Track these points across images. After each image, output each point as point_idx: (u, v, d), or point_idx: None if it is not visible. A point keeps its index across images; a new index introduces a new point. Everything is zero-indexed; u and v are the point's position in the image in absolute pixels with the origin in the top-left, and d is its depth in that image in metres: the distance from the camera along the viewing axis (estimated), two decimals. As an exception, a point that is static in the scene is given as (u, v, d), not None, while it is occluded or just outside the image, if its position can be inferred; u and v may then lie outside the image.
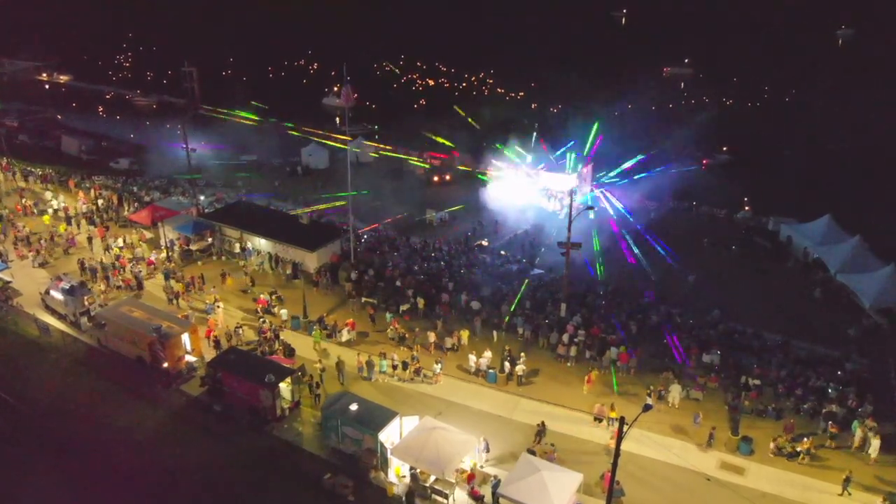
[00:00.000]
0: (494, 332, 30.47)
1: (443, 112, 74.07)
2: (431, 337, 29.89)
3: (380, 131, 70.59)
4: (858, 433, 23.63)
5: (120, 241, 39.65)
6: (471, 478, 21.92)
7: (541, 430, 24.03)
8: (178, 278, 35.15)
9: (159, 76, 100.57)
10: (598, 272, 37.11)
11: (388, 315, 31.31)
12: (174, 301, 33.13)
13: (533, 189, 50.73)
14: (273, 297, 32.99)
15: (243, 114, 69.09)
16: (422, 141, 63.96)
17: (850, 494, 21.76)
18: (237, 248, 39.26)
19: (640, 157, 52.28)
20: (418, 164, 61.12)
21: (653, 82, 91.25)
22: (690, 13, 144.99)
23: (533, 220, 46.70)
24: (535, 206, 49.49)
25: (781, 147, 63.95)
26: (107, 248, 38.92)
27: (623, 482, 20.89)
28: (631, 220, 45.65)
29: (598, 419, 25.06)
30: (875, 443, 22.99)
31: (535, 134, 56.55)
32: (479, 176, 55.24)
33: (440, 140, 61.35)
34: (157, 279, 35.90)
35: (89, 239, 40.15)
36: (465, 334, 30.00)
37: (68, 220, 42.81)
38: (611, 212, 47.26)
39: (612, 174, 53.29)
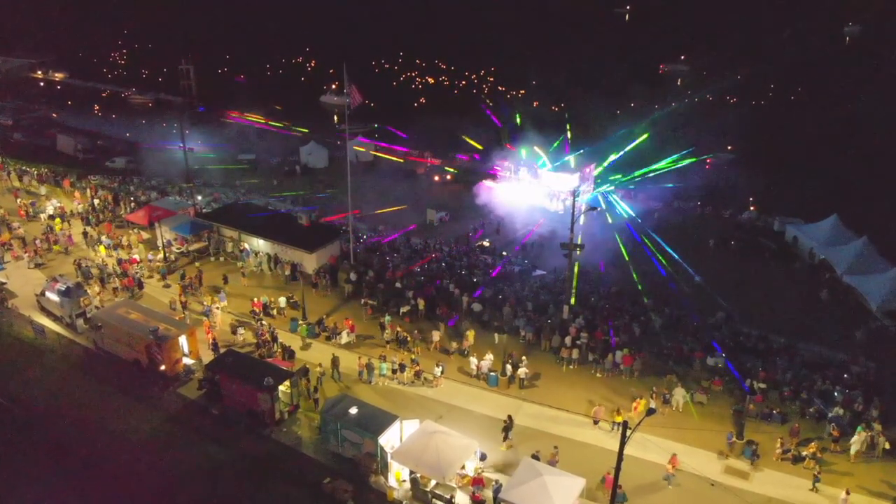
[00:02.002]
0: (496, 335, 30.18)
1: (445, 110, 73.61)
2: (436, 336, 29.61)
3: (379, 130, 70.10)
4: (859, 437, 23.29)
5: (105, 239, 39.32)
6: (476, 482, 21.67)
7: (507, 426, 23.94)
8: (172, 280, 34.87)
9: (155, 74, 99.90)
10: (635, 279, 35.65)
11: (386, 317, 30.97)
12: (178, 308, 32.25)
13: (536, 189, 50.43)
14: (288, 301, 32.49)
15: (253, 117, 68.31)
16: (436, 140, 63.38)
17: (817, 491, 21.87)
18: (229, 248, 38.86)
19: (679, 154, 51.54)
20: (443, 167, 59.84)
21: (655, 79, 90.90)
22: (689, 8, 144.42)
23: (545, 225, 45.43)
24: (539, 207, 49.15)
25: (788, 146, 63.19)
26: (98, 243, 38.68)
27: (625, 486, 20.59)
28: (639, 221, 45.12)
29: (596, 421, 24.86)
30: (856, 438, 22.90)
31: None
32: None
33: (470, 141, 60.05)
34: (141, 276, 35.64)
35: (84, 234, 39.97)
36: (471, 335, 29.65)
37: (60, 217, 42.49)
38: (610, 217, 46.75)
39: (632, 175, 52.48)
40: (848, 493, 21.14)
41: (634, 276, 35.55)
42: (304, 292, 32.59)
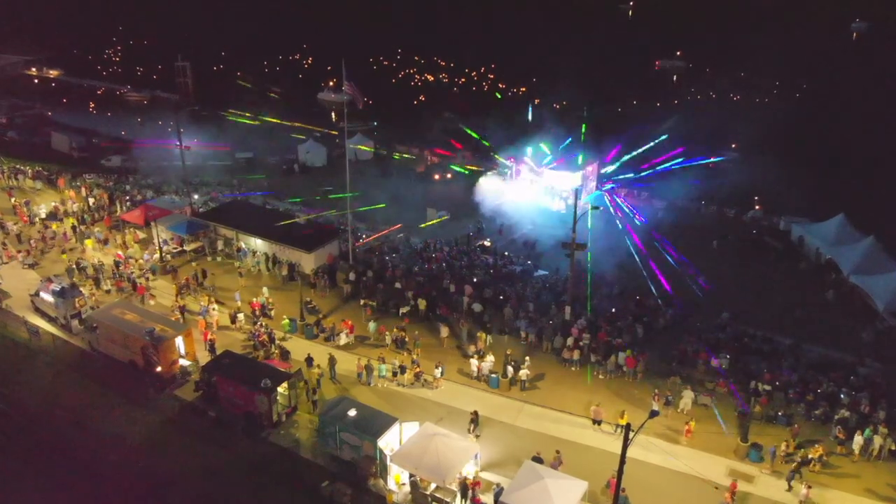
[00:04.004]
0: (486, 335, 29.64)
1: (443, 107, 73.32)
2: (444, 331, 29.52)
3: (378, 128, 69.61)
4: (860, 437, 22.99)
5: (97, 231, 39.07)
6: (475, 485, 21.37)
7: (474, 419, 23.90)
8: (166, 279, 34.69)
9: (151, 71, 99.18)
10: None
11: (371, 325, 30.10)
12: (178, 313, 31.53)
13: (538, 188, 50.01)
14: (308, 306, 31.96)
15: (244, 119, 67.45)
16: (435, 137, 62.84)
17: (791, 489, 21.79)
18: (220, 247, 38.48)
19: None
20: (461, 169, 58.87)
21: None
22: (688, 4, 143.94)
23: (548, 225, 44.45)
24: (540, 206, 48.76)
25: (793, 144, 62.43)
26: (87, 237, 38.46)
27: (629, 490, 20.32)
28: (639, 221, 44.59)
29: (596, 422, 24.61)
30: (858, 438, 22.67)
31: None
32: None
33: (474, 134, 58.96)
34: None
35: (74, 228, 39.83)
36: (483, 336, 29.30)
37: (52, 217, 42.17)
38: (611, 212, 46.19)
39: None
40: (809, 487, 21.14)
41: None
42: (303, 293, 32.23)
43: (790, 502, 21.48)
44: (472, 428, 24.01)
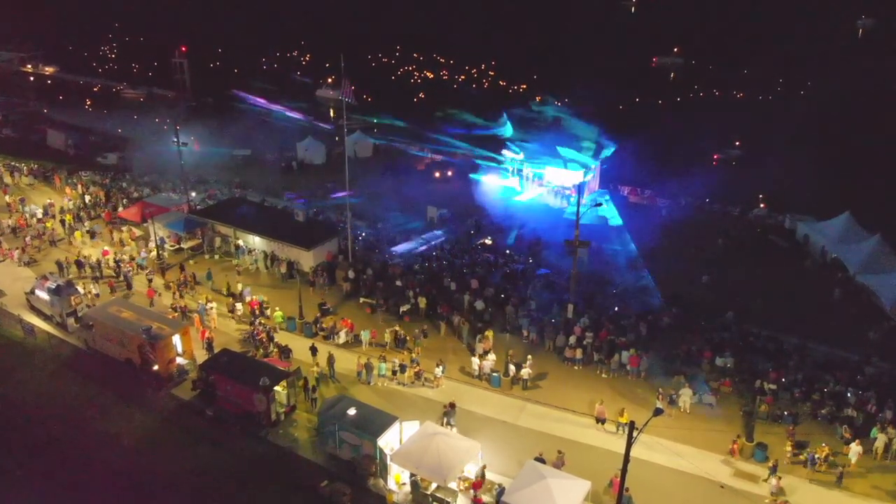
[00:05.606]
0: (486, 333, 29.41)
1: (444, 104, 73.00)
2: (456, 320, 29.59)
3: (378, 125, 69.21)
4: (857, 447, 22.61)
5: (89, 224, 39.18)
6: (477, 485, 21.11)
7: (447, 412, 23.72)
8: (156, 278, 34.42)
9: (147, 68, 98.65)
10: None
11: (364, 334, 29.30)
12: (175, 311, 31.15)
13: (540, 185, 49.74)
14: (322, 307, 31.48)
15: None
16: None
17: (777, 483, 21.54)
18: (217, 244, 38.17)
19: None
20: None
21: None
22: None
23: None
24: (543, 205, 48.46)
25: (798, 142, 62.00)
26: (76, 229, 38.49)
27: (633, 489, 20.07)
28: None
29: (600, 421, 24.36)
30: (855, 448, 22.28)
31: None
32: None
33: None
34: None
35: (62, 222, 39.82)
36: (489, 334, 28.97)
37: (45, 213, 42.01)
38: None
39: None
40: (780, 478, 21.05)
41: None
42: (301, 291, 31.92)
43: (794, 502, 21.19)
44: (445, 421, 23.60)
